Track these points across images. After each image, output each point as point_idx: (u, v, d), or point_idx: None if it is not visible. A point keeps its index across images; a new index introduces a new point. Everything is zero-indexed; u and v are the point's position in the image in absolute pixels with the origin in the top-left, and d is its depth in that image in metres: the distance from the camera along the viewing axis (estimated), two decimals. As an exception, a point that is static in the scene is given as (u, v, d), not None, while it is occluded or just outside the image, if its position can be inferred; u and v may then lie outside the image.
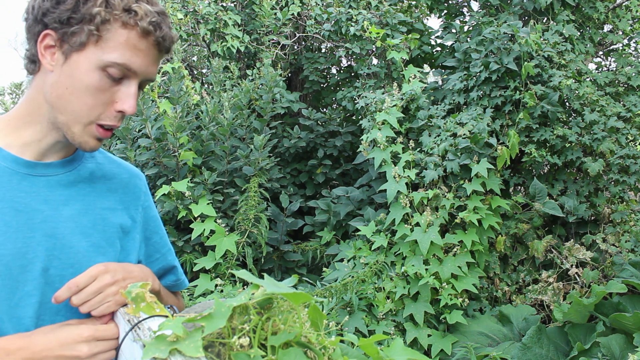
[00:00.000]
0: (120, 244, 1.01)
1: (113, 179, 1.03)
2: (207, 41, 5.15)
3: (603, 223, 3.85)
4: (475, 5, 4.97)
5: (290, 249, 4.20)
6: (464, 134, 3.59)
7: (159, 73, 4.27)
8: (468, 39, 4.29)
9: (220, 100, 4.07)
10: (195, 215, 3.56)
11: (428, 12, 5.13)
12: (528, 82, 3.79)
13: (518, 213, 3.89)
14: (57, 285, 0.87)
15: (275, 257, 4.16)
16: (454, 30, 4.54)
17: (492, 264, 3.68)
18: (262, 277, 0.73)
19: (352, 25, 4.58)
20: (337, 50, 5.19)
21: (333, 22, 4.72)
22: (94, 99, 0.86)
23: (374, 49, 4.74)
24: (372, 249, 3.61)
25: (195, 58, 6.32)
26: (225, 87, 4.65)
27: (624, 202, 3.93)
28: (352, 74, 5.37)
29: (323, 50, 5.94)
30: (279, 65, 5.24)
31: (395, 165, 3.64)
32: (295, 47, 5.74)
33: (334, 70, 5.90)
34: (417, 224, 3.47)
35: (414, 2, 5.30)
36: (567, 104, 4.02)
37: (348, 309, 3.28)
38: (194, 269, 3.50)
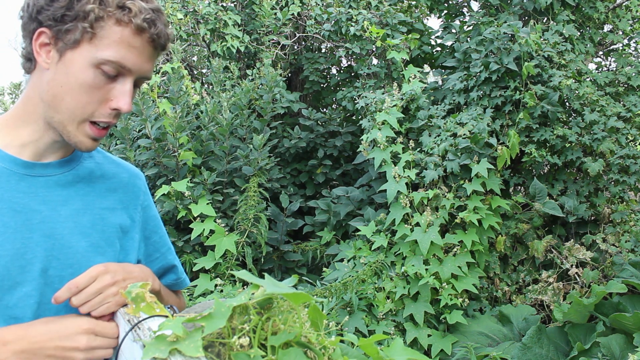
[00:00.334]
0: (120, 243, 1.00)
1: (112, 178, 1.03)
2: (207, 41, 5.15)
3: (603, 223, 3.85)
4: (475, 5, 4.98)
5: (290, 249, 4.20)
6: (464, 134, 3.58)
7: (158, 73, 4.26)
8: (468, 39, 4.29)
9: (220, 101, 4.07)
10: (195, 215, 3.56)
11: (428, 12, 5.13)
12: (528, 82, 3.79)
13: (518, 213, 3.89)
14: (57, 286, 0.87)
15: (275, 257, 4.16)
16: (454, 30, 4.54)
17: (492, 264, 3.68)
18: (262, 277, 0.73)
19: (352, 25, 4.58)
20: (337, 50, 5.19)
21: (333, 22, 4.72)
22: (88, 96, 0.86)
23: (374, 49, 4.74)
24: (372, 249, 3.61)
25: (195, 58, 6.32)
26: (225, 87, 4.65)
27: (624, 202, 3.93)
28: (352, 74, 5.37)
29: (323, 50, 5.94)
30: (279, 65, 5.24)
31: (395, 165, 3.64)
32: (295, 47, 5.74)
33: (334, 70, 5.90)
34: (417, 224, 3.47)
35: (414, 2, 5.30)
36: (567, 104, 4.02)
37: (348, 309, 3.28)
38: (194, 269, 3.50)
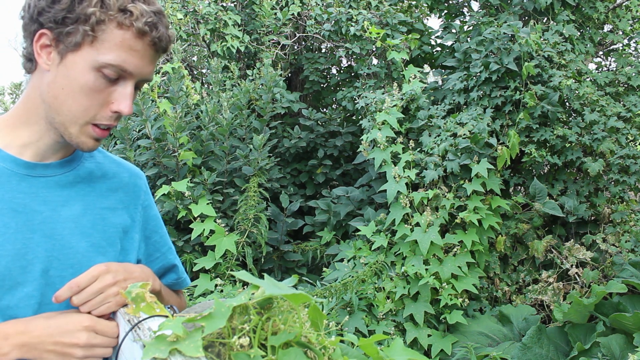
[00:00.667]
0: (121, 244, 1.00)
1: (113, 178, 1.03)
2: (207, 41, 5.15)
3: (603, 223, 3.85)
4: (475, 5, 4.97)
5: (290, 249, 4.20)
6: (464, 134, 3.58)
7: (158, 73, 4.26)
8: (468, 39, 4.29)
9: (220, 100, 4.07)
10: (195, 215, 3.56)
11: (428, 12, 5.13)
12: (528, 82, 3.79)
13: (518, 213, 3.89)
14: (58, 286, 0.87)
15: (275, 257, 4.16)
16: (454, 30, 4.54)
17: (492, 264, 3.68)
18: (262, 277, 0.73)
19: (352, 25, 4.58)
20: (337, 50, 5.19)
21: (333, 22, 4.72)
22: (89, 99, 0.85)
23: (374, 49, 4.74)
24: (372, 249, 3.61)
25: (195, 58, 6.32)
26: (225, 87, 4.65)
27: (624, 202, 3.93)
28: (352, 74, 5.37)
29: (323, 50, 5.94)
30: (279, 65, 5.24)
31: (395, 166, 3.64)
32: (295, 47, 5.74)
33: (334, 70, 5.90)
34: (417, 224, 3.47)
35: (414, 2, 5.30)
36: (567, 104, 4.02)
37: (348, 309, 3.28)
38: (194, 269, 3.50)
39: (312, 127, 5.03)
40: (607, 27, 4.98)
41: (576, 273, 3.49)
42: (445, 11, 4.84)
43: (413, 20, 4.77)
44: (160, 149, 3.79)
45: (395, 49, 4.30)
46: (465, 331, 3.30)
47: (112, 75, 0.85)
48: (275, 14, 5.25)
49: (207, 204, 3.62)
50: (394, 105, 3.87)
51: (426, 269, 3.34)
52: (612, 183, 3.76)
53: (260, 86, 4.53)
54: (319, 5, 5.20)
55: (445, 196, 3.56)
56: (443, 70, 4.57)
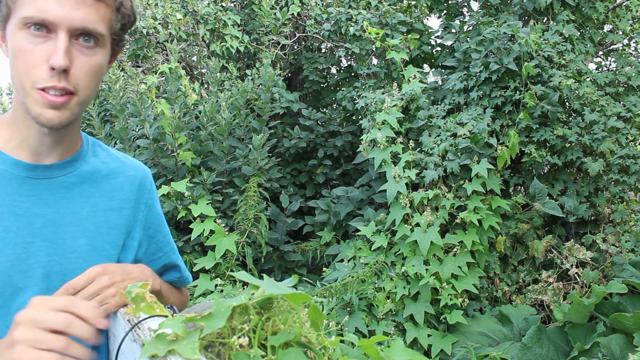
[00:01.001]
0: (123, 244, 0.99)
1: (117, 177, 1.00)
2: (207, 41, 5.15)
3: (603, 223, 3.85)
4: (475, 5, 4.97)
5: (290, 249, 4.19)
6: (464, 134, 3.58)
7: (156, 73, 4.26)
8: (468, 39, 4.28)
9: (218, 101, 4.07)
10: (195, 216, 3.56)
11: (428, 12, 5.13)
12: (528, 82, 3.79)
13: (518, 213, 3.89)
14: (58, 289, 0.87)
15: (275, 257, 4.16)
16: (453, 30, 4.54)
17: (492, 264, 3.68)
18: (262, 277, 0.73)
19: (351, 25, 4.58)
20: (337, 50, 5.19)
21: (333, 22, 4.72)
22: (25, 62, 0.80)
23: (373, 49, 4.74)
24: (372, 249, 3.61)
25: (195, 58, 6.32)
26: (224, 87, 4.65)
27: (624, 202, 3.93)
28: (352, 74, 5.37)
29: (323, 50, 5.94)
30: (279, 65, 5.24)
31: (395, 166, 3.64)
32: (295, 47, 5.74)
33: (333, 70, 5.89)
34: (417, 224, 3.47)
35: (413, 2, 5.30)
36: (567, 104, 4.01)
37: (348, 309, 3.27)
38: (194, 269, 3.50)
39: (312, 127, 5.03)
40: (607, 27, 4.98)
41: (576, 273, 3.49)
42: (445, 11, 4.84)
43: (413, 20, 4.77)
44: (159, 149, 3.79)
45: (394, 49, 4.30)
46: (465, 331, 3.30)
47: (35, 29, 0.79)
48: (275, 14, 5.25)
49: (207, 204, 3.62)
50: (394, 105, 3.87)
51: (426, 269, 3.34)
52: (612, 183, 3.76)
53: (259, 86, 4.53)
54: (318, 5, 5.20)
55: (445, 196, 3.56)
56: (443, 70, 4.57)
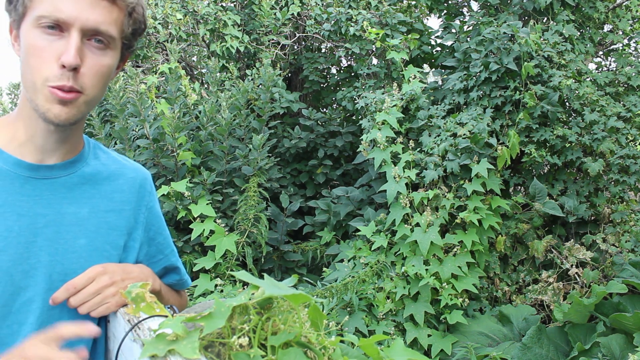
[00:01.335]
0: (124, 245, 0.99)
1: (118, 179, 1.01)
2: (207, 41, 5.15)
3: (603, 223, 3.85)
4: (475, 5, 4.96)
5: (290, 249, 4.19)
6: (464, 134, 3.58)
7: (156, 73, 4.27)
8: (468, 39, 4.28)
9: (218, 100, 4.07)
10: (195, 216, 3.56)
11: (428, 12, 5.13)
12: (528, 82, 3.79)
13: (518, 213, 3.89)
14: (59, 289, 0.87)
15: (275, 257, 4.16)
16: (453, 30, 4.54)
17: (492, 264, 3.68)
18: (262, 277, 0.73)
19: (351, 26, 4.58)
20: (337, 50, 5.19)
21: (333, 22, 4.72)
22: (37, 59, 0.82)
23: (373, 49, 4.74)
24: (372, 249, 3.61)
25: (195, 58, 6.32)
26: (224, 87, 4.65)
27: (624, 202, 3.93)
28: (352, 74, 5.37)
29: (323, 50, 5.94)
30: (279, 65, 5.24)
31: (395, 166, 3.64)
32: (295, 47, 5.74)
33: (333, 70, 5.90)
34: (417, 224, 3.47)
35: (413, 2, 5.30)
36: (567, 104, 4.01)
37: (348, 309, 3.27)
38: (194, 269, 3.50)
39: (312, 127, 5.03)
40: (607, 27, 4.98)
41: (576, 273, 3.49)
42: (445, 11, 4.84)
43: (413, 20, 4.77)
44: (159, 149, 3.79)
45: (394, 49, 4.30)
46: (465, 331, 3.30)
47: (49, 28, 0.81)
48: (275, 14, 5.25)
49: (207, 204, 3.62)
50: (394, 105, 3.87)
51: (426, 269, 3.34)
52: (612, 183, 3.76)
53: (259, 86, 4.53)
54: (318, 5, 5.20)
55: (445, 196, 3.56)
56: (443, 70, 4.56)
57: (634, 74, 4.13)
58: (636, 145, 3.90)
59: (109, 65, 0.87)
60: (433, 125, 3.85)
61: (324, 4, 5.33)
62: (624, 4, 4.76)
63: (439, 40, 4.84)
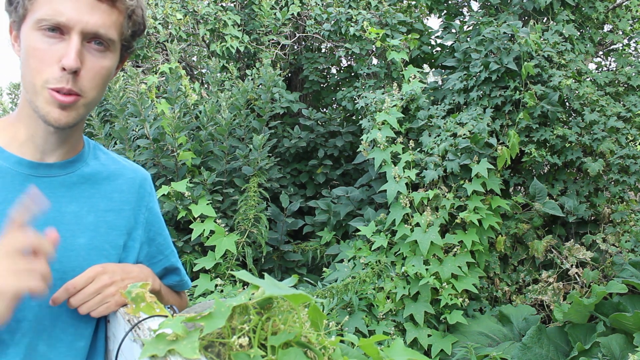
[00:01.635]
0: (123, 245, 1.00)
1: (117, 179, 1.01)
2: (207, 41, 5.15)
3: (603, 223, 3.85)
4: (475, 5, 4.97)
5: (290, 249, 4.19)
6: (464, 134, 3.58)
7: (156, 73, 4.27)
8: (468, 39, 4.28)
9: (218, 100, 4.07)
10: (195, 216, 3.56)
11: (428, 12, 5.13)
12: (528, 82, 3.78)
13: (518, 213, 3.89)
14: (58, 289, 0.86)
15: (275, 257, 4.16)
16: (453, 30, 4.54)
17: (492, 264, 3.68)
18: (262, 277, 0.73)
19: (351, 26, 4.58)
20: (337, 50, 5.19)
21: (333, 22, 4.72)
22: (38, 61, 0.82)
23: (373, 49, 4.74)
24: (372, 249, 3.61)
25: (195, 58, 6.32)
26: (224, 87, 4.65)
27: (624, 202, 3.93)
28: (352, 74, 5.37)
29: (323, 50, 5.94)
30: (279, 65, 5.24)
31: (395, 166, 3.64)
32: (295, 47, 5.74)
33: (333, 70, 5.90)
34: (417, 224, 3.47)
35: (413, 2, 5.30)
36: (567, 104, 4.02)
37: (348, 309, 3.27)
38: (194, 269, 3.50)
39: (312, 127, 5.03)
40: (607, 27, 4.98)
41: (576, 273, 3.49)
42: (445, 11, 4.84)
43: (413, 20, 4.77)
44: (159, 149, 3.79)
45: (394, 49, 4.30)
46: (465, 331, 3.30)
47: (49, 30, 0.82)
48: (275, 14, 5.25)
49: (207, 204, 3.62)
50: (394, 105, 3.87)
51: (426, 269, 3.34)
52: (612, 183, 3.76)
53: (259, 86, 4.53)
54: (318, 5, 5.20)
55: (445, 196, 3.56)
56: (443, 70, 4.56)
57: (634, 74, 4.13)
58: (636, 145, 3.90)
59: (108, 67, 0.88)
60: (433, 125, 3.85)
61: (324, 4, 5.33)
62: (623, 4, 4.76)
63: (439, 40, 4.84)
